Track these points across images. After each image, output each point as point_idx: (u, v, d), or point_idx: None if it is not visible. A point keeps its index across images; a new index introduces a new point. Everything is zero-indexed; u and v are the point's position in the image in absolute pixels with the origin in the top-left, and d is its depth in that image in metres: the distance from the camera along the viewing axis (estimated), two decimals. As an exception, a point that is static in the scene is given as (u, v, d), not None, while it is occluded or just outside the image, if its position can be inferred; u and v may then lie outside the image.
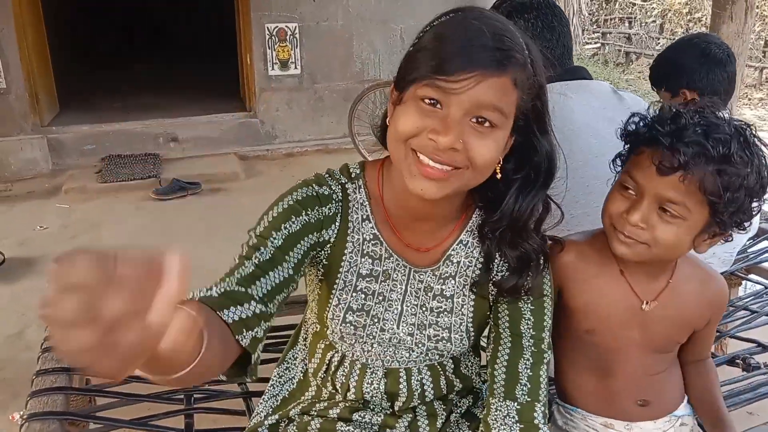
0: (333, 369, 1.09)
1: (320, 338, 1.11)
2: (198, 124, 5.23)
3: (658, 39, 11.13)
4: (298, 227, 0.94)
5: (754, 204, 0.99)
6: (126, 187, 4.44)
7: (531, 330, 1.01)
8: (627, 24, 12.30)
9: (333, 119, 5.42)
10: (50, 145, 4.78)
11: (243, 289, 0.86)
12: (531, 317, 1.02)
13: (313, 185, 0.99)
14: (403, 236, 1.01)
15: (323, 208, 0.98)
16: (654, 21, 11.54)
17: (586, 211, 1.48)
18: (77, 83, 6.22)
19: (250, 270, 0.89)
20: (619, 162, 1.10)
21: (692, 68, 1.94)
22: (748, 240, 2.14)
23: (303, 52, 5.24)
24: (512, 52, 0.84)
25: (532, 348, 1.01)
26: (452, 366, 1.11)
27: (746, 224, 1.02)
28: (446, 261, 1.02)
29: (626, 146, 1.07)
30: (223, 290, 0.85)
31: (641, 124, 1.03)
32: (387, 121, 0.94)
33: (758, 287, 2.07)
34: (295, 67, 5.26)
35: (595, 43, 12.23)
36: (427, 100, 0.85)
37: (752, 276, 2.14)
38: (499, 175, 0.92)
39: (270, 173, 4.89)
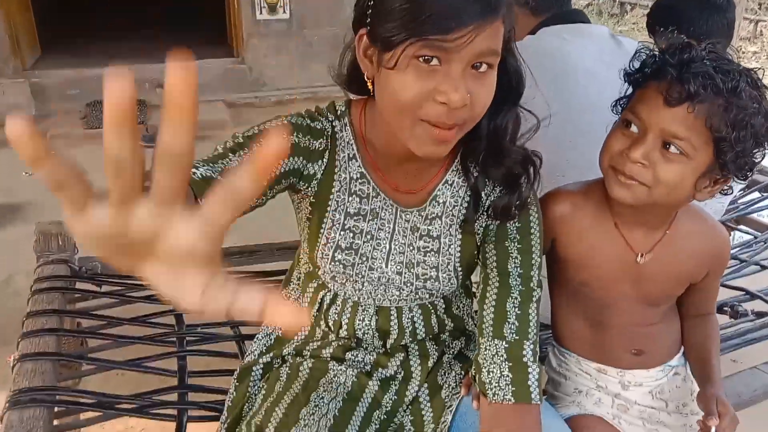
0: (325, 308, 1.09)
1: (312, 278, 1.11)
2: (185, 69, 5.11)
3: (654, -11, 10.96)
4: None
5: (758, 152, 0.96)
6: (112, 134, 4.36)
7: (519, 268, 1.01)
8: (622, -27, 12.06)
9: (322, 66, 5.29)
10: (33, 90, 4.67)
11: (214, 161, 0.83)
12: (518, 256, 1.01)
13: (306, 118, 0.96)
14: (388, 178, 1.00)
15: (315, 142, 0.96)
16: (650, -30, 11.35)
17: (584, 155, 1.46)
18: (59, 26, 6.04)
19: (231, 146, 0.87)
20: (619, 107, 1.07)
21: (692, 15, 1.90)
22: (738, 191, 2.15)
23: (292, -6, 5.10)
24: None
25: (520, 287, 1.00)
26: (443, 306, 1.11)
27: (749, 173, 0.98)
28: (432, 201, 1.02)
29: (629, 87, 1.04)
30: (203, 175, 0.79)
31: (649, 56, 1.00)
32: (366, 77, 0.90)
33: (747, 237, 2.09)
34: (284, 12, 5.13)
35: (590, -8, 12.02)
36: (422, 59, 0.80)
37: (742, 226, 2.16)
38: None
39: (258, 121, 4.80)
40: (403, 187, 1.01)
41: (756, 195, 2.28)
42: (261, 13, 5.08)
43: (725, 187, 1.02)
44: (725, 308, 1.61)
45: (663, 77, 0.94)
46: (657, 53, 0.99)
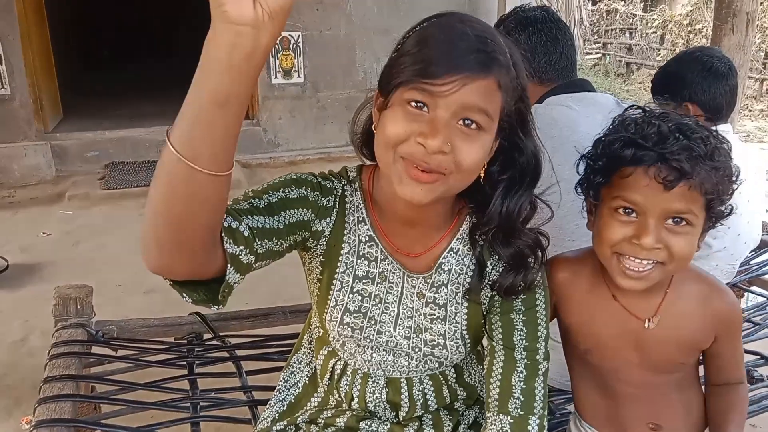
0: (336, 377, 1.10)
1: (323, 344, 1.12)
2: (201, 131, 5.24)
3: (659, 50, 11.17)
4: (295, 196, 0.94)
5: (734, 185, 0.99)
6: (129, 194, 4.45)
7: (524, 341, 1.00)
8: (628, 35, 12.34)
9: (335, 128, 5.45)
10: (54, 151, 4.80)
11: (237, 216, 0.86)
12: (524, 328, 1.01)
13: (317, 177, 1.00)
14: (394, 241, 1.01)
15: (323, 198, 0.98)
16: (655, 32, 11.58)
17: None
18: (80, 89, 6.25)
19: (245, 207, 0.89)
20: (581, 191, 1.07)
21: (694, 82, 1.95)
22: (750, 252, 2.15)
23: (306, 60, 5.27)
24: (496, 54, 0.85)
25: (525, 360, 1.00)
26: (454, 375, 1.11)
27: (731, 206, 1.01)
28: (438, 269, 1.02)
29: (597, 173, 1.02)
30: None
31: (621, 144, 0.98)
32: (373, 127, 0.95)
33: (760, 299, 2.07)
34: (298, 76, 5.29)
35: (596, 53, 12.28)
36: (413, 103, 0.85)
37: (754, 288, 2.15)
38: (482, 178, 0.93)
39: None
40: (408, 251, 1.02)
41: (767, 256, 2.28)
42: (276, 77, 5.24)
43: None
44: (740, 373, 1.59)
45: (645, 161, 0.95)
46: (628, 140, 0.97)
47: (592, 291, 1.10)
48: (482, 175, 0.92)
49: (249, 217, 0.88)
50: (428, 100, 0.84)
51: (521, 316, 1.01)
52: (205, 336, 1.70)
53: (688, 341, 1.09)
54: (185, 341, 1.67)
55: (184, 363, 1.56)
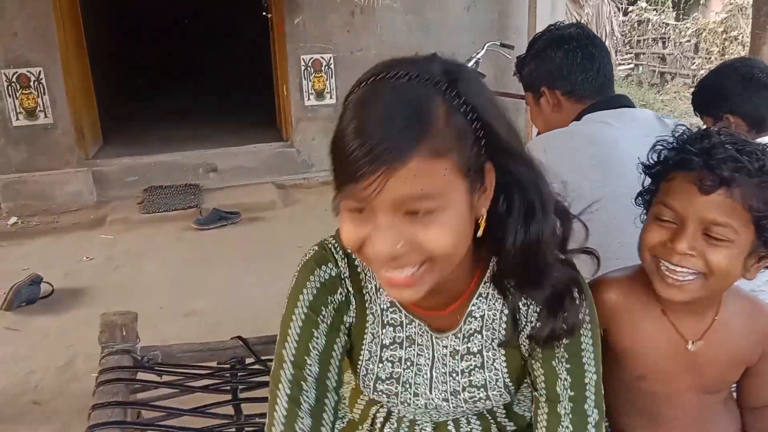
0: (379, 426, 1.06)
1: (360, 393, 1.08)
2: (236, 154, 5.34)
3: (694, 59, 10.99)
4: (323, 342, 0.94)
5: None
6: (167, 218, 4.54)
7: (569, 391, 0.92)
8: (661, 44, 12.18)
9: (368, 147, 5.48)
10: (94, 177, 4.92)
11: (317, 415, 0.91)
12: (568, 377, 0.92)
13: (318, 269, 0.94)
14: (418, 302, 0.92)
15: (335, 296, 0.95)
16: (689, 40, 11.41)
17: (635, 239, 1.46)
18: (118, 116, 6.42)
19: (309, 423, 0.91)
20: (642, 200, 1.07)
21: (735, 93, 1.92)
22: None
23: (338, 81, 5.32)
24: (416, 123, 0.72)
25: (571, 415, 0.92)
26: (504, 411, 1.05)
27: None
28: (468, 318, 0.95)
29: (650, 179, 1.04)
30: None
31: (669, 149, 1.00)
32: None
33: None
34: (331, 97, 5.34)
35: (629, 64, 12.13)
36: (354, 211, 0.77)
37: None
38: (481, 231, 0.83)
39: (307, 201, 4.95)
40: (432, 309, 0.95)
41: (818, 270, 2.20)
42: (309, 99, 5.30)
43: None
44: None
45: (690, 167, 0.95)
46: (676, 144, 1.00)
47: (645, 310, 1.07)
48: (482, 225, 0.83)
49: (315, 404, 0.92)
50: (364, 204, 0.75)
51: (565, 363, 0.92)
52: (248, 360, 1.71)
53: (739, 358, 1.07)
54: (228, 365, 1.69)
55: (228, 388, 1.57)
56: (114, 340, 1.66)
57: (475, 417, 1.03)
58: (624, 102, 1.72)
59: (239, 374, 1.64)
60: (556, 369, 0.93)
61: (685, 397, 1.08)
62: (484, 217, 0.83)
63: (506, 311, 0.94)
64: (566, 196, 0.95)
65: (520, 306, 0.93)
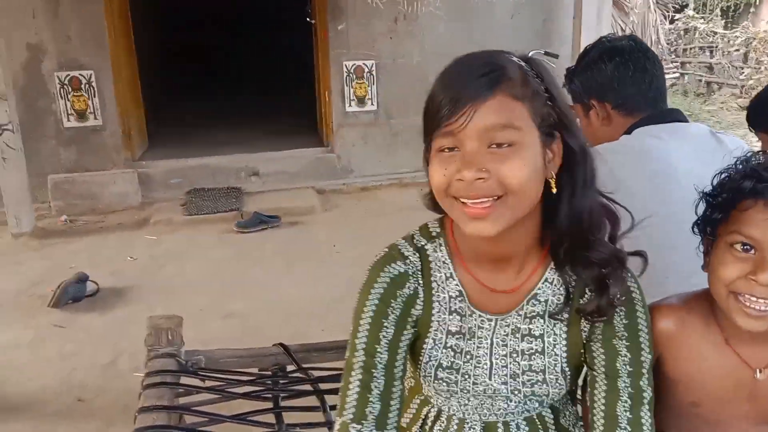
0: (429, 424, 1.09)
1: (415, 393, 1.12)
2: (278, 158, 5.40)
3: (743, 68, 10.70)
4: (392, 331, 1.01)
5: None
6: (209, 220, 4.62)
7: (627, 367, 0.98)
8: (708, 53, 11.90)
9: (408, 153, 5.47)
10: (140, 178, 5.04)
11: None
12: (627, 354, 0.99)
13: (388, 266, 1.02)
14: (486, 281, 1.01)
15: (404, 290, 1.02)
16: (737, 50, 11.11)
17: (688, 258, 1.42)
18: (164, 119, 6.55)
19: (379, 407, 0.98)
20: (705, 229, 1.03)
21: None
22: None
23: (379, 88, 5.34)
24: (495, 73, 0.87)
25: (629, 389, 0.98)
26: (552, 417, 1.08)
27: None
28: (531, 300, 1.01)
29: (712, 208, 1.01)
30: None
31: (741, 176, 0.96)
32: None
33: None
34: (372, 104, 5.37)
35: (674, 73, 11.88)
36: (445, 150, 0.89)
37: None
38: (554, 189, 0.93)
39: (346, 206, 4.98)
40: (501, 288, 1.01)
41: None
42: (350, 105, 5.34)
43: None
44: None
45: (765, 195, 0.92)
46: (750, 172, 0.96)
47: (703, 337, 1.05)
48: (553, 186, 0.93)
49: (389, 418, 0.99)
50: (455, 142, 0.88)
51: (624, 341, 0.99)
52: (289, 368, 1.72)
53: None
54: (270, 372, 1.70)
55: (269, 395, 1.58)
56: (160, 344, 1.69)
57: (524, 421, 1.06)
58: (677, 116, 1.68)
59: (281, 382, 1.65)
60: (617, 346, 0.99)
61: (740, 426, 1.05)
62: (554, 178, 0.93)
63: (562, 292, 1.01)
64: (616, 209, 1.01)
65: (570, 286, 1.00)
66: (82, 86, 4.80)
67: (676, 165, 1.53)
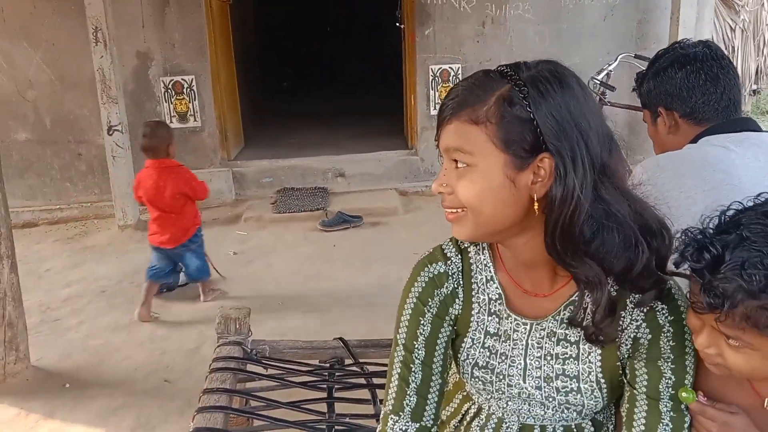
0: (468, 420, 1.13)
1: (459, 388, 1.17)
2: (363, 160, 5.54)
3: None
4: (428, 328, 1.07)
5: None
6: (296, 218, 4.81)
7: (671, 390, 0.96)
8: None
9: (492, 157, 5.45)
10: (234, 177, 5.33)
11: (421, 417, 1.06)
12: (672, 376, 0.96)
13: (429, 266, 1.08)
14: (523, 284, 1.03)
15: (442, 289, 1.07)
16: None
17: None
18: (259, 120, 6.87)
19: (415, 400, 1.06)
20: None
21: None
22: None
23: (465, 91, 5.35)
24: (457, 99, 0.91)
25: (671, 413, 0.96)
26: (592, 429, 1.07)
27: None
28: (569, 306, 1.00)
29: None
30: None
31: (680, 255, 0.90)
32: None
33: None
34: (457, 107, 5.39)
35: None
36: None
37: None
38: (536, 212, 0.90)
39: (427, 209, 5.03)
40: (536, 291, 1.02)
41: None
42: (435, 108, 5.38)
43: None
44: None
45: (696, 279, 0.88)
46: (689, 246, 0.89)
47: None
48: (536, 207, 0.89)
49: (425, 412, 1.06)
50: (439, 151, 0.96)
51: (670, 363, 0.96)
52: (346, 361, 1.80)
53: None
54: (327, 365, 1.79)
55: (324, 386, 1.67)
56: (228, 332, 1.81)
57: (561, 427, 1.07)
58: (749, 126, 1.61)
59: (336, 374, 1.73)
60: (661, 368, 0.97)
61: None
62: (536, 198, 0.90)
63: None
64: (672, 221, 0.99)
65: (627, 303, 0.96)
66: (184, 90, 5.14)
67: (741, 176, 1.47)
